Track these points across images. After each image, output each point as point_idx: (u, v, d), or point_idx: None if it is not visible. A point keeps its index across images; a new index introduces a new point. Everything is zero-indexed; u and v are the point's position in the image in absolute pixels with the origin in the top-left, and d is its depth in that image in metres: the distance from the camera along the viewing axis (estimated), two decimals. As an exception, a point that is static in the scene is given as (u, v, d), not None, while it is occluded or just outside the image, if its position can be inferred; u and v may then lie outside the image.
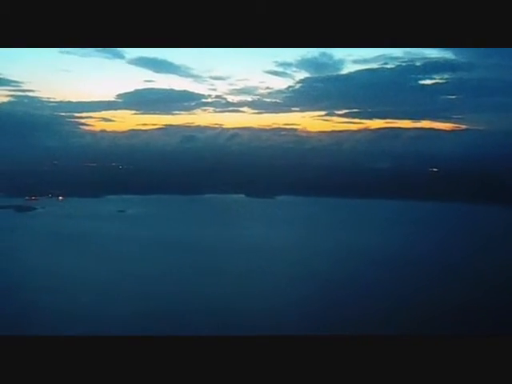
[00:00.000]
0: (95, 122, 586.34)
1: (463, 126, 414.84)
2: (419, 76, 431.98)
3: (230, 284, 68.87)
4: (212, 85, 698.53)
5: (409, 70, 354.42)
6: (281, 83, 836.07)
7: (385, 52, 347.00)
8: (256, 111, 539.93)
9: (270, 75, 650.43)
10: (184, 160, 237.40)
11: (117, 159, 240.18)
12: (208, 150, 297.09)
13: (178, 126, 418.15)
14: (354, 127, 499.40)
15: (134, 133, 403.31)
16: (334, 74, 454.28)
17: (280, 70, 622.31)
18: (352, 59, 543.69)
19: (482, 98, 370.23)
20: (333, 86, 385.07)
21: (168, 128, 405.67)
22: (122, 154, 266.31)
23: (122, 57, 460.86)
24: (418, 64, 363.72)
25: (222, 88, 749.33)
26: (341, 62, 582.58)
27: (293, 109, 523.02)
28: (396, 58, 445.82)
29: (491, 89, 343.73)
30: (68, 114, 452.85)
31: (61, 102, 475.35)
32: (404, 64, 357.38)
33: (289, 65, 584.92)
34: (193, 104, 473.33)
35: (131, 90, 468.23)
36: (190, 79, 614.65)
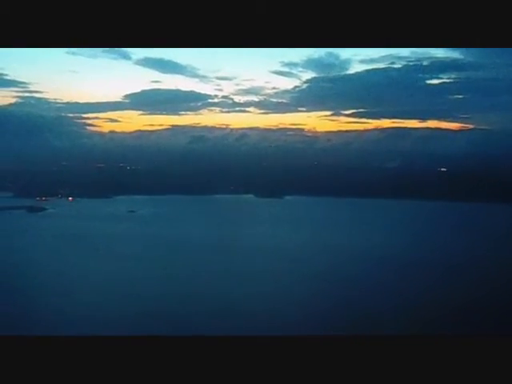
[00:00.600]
0: (102, 123, 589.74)
1: (471, 126, 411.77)
2: (426, 76, 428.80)
3: (240, 283, 69.15)
4: (218, 85, 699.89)
5: (416, 70, 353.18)
6: (287, 83, 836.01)
7: (392, 52, 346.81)
8: (262, 111, 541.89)
9: (276, 75, 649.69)
10: (192, 160, 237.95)
11: (125, 160, 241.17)
12: (217, 150, 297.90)
13: (184, 127, 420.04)
14: (360, 127, 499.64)
15: (141, 133, 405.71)
16: (341, 73, 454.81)
17: (286, 70, 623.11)
18: (359, 59, 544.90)
19: (489, 97, 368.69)
20: (339, 86, 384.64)
21: (175, 128, 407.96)
22: (130, 154, 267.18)
23: (128, 57, 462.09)
24: (425, 64, 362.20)
25: (228, 88, 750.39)
26: (347, 62, 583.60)
27: (299, 109, 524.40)
28: (403, 58, 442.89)
29: (499, 88, 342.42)
30: (75, 114, 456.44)
31: (68, 102, 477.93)
32: (411, 64, 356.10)
33: (295, 65, 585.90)
34: (199, 104, 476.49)
35: (138, 90, 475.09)
36: (196, 79, 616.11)
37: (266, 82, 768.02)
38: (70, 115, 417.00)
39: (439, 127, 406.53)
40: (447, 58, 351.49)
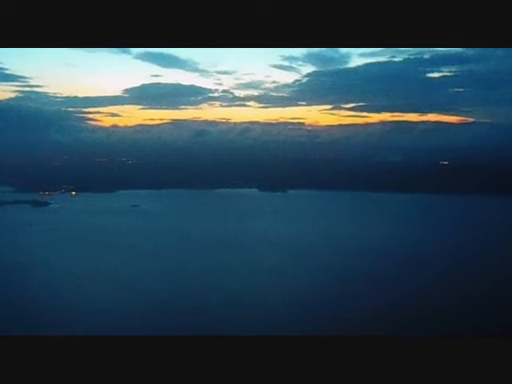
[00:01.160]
0: (103, 117, 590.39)
1: (472, 119, 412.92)
2: (427, 69, 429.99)
3: (244, 276, 69.55)
4: (218, 79, 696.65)
5: (417, 63, 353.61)
6: (287, 77, 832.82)
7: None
8: (262, 105, 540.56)
9: (276, 69, 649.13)
10: (194, 155, 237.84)
11: (126, 154, 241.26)
12: (218, 144, 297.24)
13: (185, 121, 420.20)
14: (361, 121, 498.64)
15: (141, 127, 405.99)
16: (341, 67, 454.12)
17: (286, 64, 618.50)
18: (359, 53, 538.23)
19: (490, 90, 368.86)
20: (340, 80, 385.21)
21: (175, 122, 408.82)
22: (130, 148, 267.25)
23: (128, 52, 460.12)
24: (426, 57, 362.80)
25: (228, 82, 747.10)
26: (347, 56, 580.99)
27: (299, 103, 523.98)
28: (404, 52, 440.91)
29: (500, 81, 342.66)
30: (75, 109, 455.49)
31: (68, 97, 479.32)
32: (412, 57, 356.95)
33: (295, 59, 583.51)
34: (199, 98, 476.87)
35: (138, 84, 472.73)
36: (196, 74, 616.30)
37: (266, 76, 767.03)
38: (71, 109, 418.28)
39: (440, 120, 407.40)
40: (448, 51, 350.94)
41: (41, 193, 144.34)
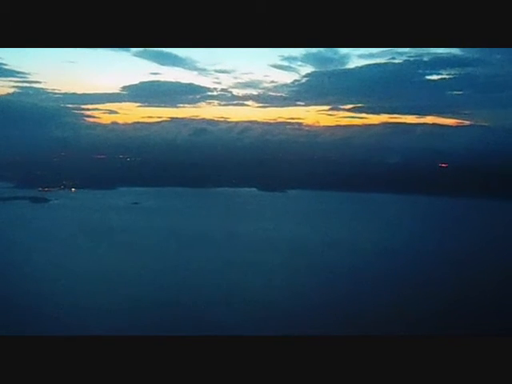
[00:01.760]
0: (101, 114, 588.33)
1: (470, 122, 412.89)
2: (426, 71, 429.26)
3: (243, 276, 69.56)
4: (217, 78, 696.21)
5: (416, 66, 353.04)
6: (286, 77, 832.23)
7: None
8: (261, 105, 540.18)
9: (274, 69, 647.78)
10: (193, 153, 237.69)
11: (124, 151, 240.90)
12: (218, 143, 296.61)
13: (183, 119, 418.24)
14: (359, 122, 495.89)
15: (140, 125, 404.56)
16: (340, 68, 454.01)
17: (285, 63, 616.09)
18: (358, 54, 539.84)
19: (489, 93, 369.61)
20: (338, 81, 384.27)
21: (174, 120, 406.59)
22: (129, 146, 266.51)
23: (127, 49, 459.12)
24: (425, 59, 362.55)
25: (226, 81, 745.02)
26: (347, 57, 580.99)
27: (298, 103, 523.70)
28: (403, 53, 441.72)
29: (499, 84, 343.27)
30: (74, 105, 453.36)
31: (66, 93, 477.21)
32: (411, 59, 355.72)
33: (294, 59, 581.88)
34: (198, 97, 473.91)
35: (136, 82, 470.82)
36: (195, 72, 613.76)
37: (265, 76, 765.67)
38: (69, 106, 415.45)
39: (438, 123, 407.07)
40: (447, 53, 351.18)
41: (40, 189, 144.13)
